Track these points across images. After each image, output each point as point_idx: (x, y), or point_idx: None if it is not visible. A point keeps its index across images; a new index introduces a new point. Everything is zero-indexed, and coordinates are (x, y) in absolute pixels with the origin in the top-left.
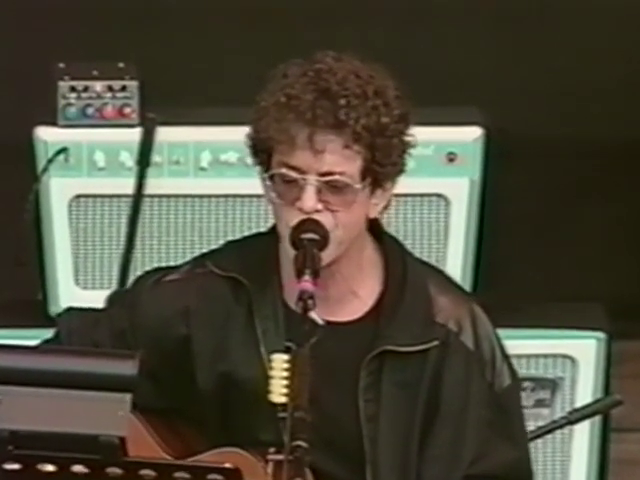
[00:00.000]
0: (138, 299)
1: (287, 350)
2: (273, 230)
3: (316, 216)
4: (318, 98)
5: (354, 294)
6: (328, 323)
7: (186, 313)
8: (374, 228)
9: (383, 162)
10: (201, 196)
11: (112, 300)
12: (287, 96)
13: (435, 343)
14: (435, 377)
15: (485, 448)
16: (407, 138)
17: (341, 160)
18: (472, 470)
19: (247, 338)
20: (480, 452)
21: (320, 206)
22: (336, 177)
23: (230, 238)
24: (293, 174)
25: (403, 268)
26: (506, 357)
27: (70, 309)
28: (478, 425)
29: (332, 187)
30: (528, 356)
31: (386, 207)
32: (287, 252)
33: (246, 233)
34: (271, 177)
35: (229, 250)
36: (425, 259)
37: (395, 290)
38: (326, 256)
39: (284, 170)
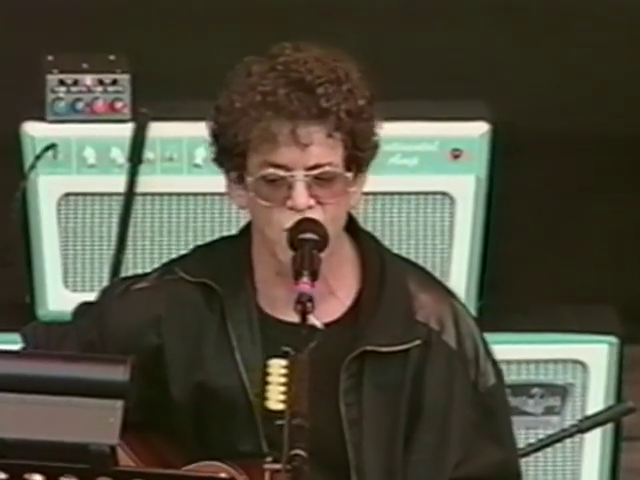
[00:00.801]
0: (106, 309)
1: (285, 355)
2: (242, 233)
3: (309, 213)
4: (294, 90)
5: (332, 294)
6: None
7: (157, 322)
8: (350, 224)
9: (363, 146)
10: (195, 194)
11: (78, 312)
12: (262, 93)
13: (417, 342)
14: (417, 378)
15: (470, 450)
16: (377, 119)
17: (327, 150)
18: (457, 473)
19: (221, 345)
20: (465, 454)
21: (312, 202)
22: (325, 169)
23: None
24: (280, 172)
25: (381, 265)
26: (490, 355)
27: (34, 324)
28: (462, 426)
29: (321, 180)
30: (537, 361)
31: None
32: (279, 254)
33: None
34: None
35: (198, 255)
36: (429, 260)
37: (373, 288)
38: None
39: (271, 170)
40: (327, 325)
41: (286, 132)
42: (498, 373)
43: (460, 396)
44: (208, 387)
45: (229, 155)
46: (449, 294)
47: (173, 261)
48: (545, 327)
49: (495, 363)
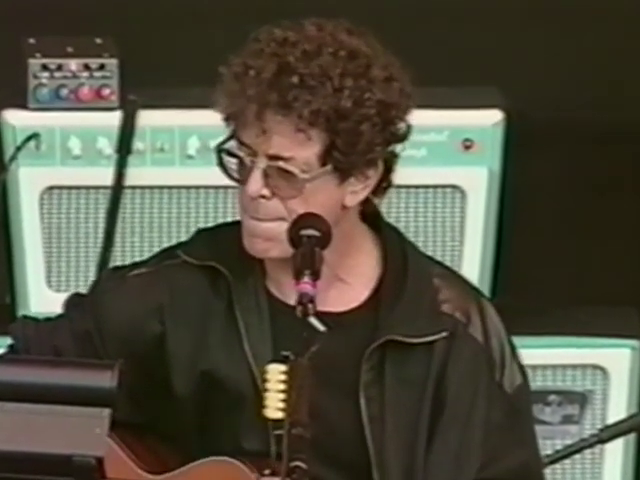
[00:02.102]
0: (102, 298)
1: (284, 359)
2: None
3: (263, 204)
4: (276, 73)
5: (341, 281)
6: (320, 313)
7: (159, 309)
8: (372, 218)
9: (346, 150)
10: (188, 187)
11: (70, 303)
12: (244, 66)
13: (444, 334)
14: (440, 372)
15: (495, 452)
16: (391, 127)
17: (291, 144)
18: (482, 475)
19: (228, 333)
20: (489, 457)
21: (266, 191)
22: (280, 163)
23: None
24: (242, 152)
25: (403, 258)
26: (515, 355)
27: (24, 317)
28: (486, 427)
29: (279, 172)
30: (554, 367)
31: (382, 192)
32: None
33: None
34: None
35: (202, 239)
36: (439, 257)
37: (395, 280)
38: (277, 251)
39: (236, 146)
40: (342, 314)
41: (252, 114)
42: (524, 373)
43: (484, 394)
44: (213, 378)
45: (226, 123)
46: (475, 290)
47: (174, 246)
48: (562, 330)
49: (520, 363)
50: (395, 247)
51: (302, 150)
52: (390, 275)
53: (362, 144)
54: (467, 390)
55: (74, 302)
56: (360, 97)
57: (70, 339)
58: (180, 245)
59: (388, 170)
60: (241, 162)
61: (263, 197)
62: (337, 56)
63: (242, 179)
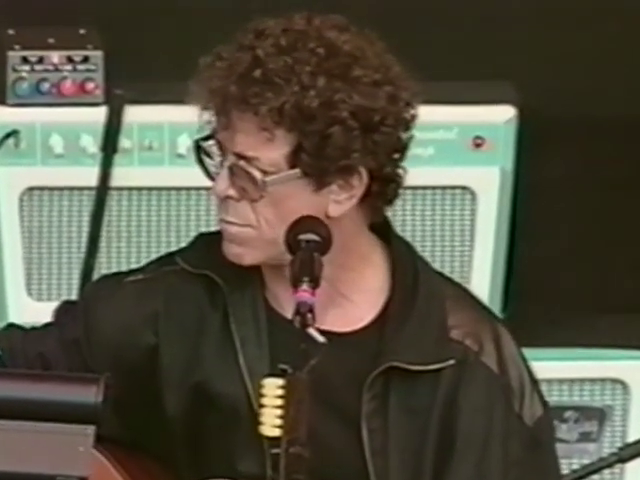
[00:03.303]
0: (94, 305)
1: (282, 373)
2: None
3: (230, 204)
4: (247, 67)
5: (344, 297)
6: (322, 333)
7: (154, 318)
8: (383, 228)
9: (314, 153)
10: (178, 188)
11: (61, 310)
12: (217, 56)
13: (450, 362)
14: (450, 402)
15: None
16: (373, 135)
17: (256, 143)
18: None
19: (223, 347)
20: None
21: (232, 192)
22: (241, 163)
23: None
24: (214, 148)
25: (414, 275)
26: (535, 383)
27: (10, 325)
28: (505, 462)
29: (243, 172)
30: (571, 380)
31: (387, 203)
32: None
33: None
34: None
35: (200, 244)
36: (447, 263)
37: (403, 299)
38: (250, 258)
39: (209, 142)
40: (345, 335)
41: (218, 108)
42: (544, 402)
43: (502, 427)
44: (207, 393)
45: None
46: (490, 315)
47: (175, 252)
48: (579, 341)
49: (540, 391)
50: (405, 262)
51: (267, 150)
52: (398, 294)
53: (332, 148)
54: (481, 422)
55: (64, 309)
56: (330, 98)
57: (58, 348)
58: (179, 250)
59: (387, 181)
60: (212, 158)
61: (230, 198)
62: (313, 52)
63: (214, 177)
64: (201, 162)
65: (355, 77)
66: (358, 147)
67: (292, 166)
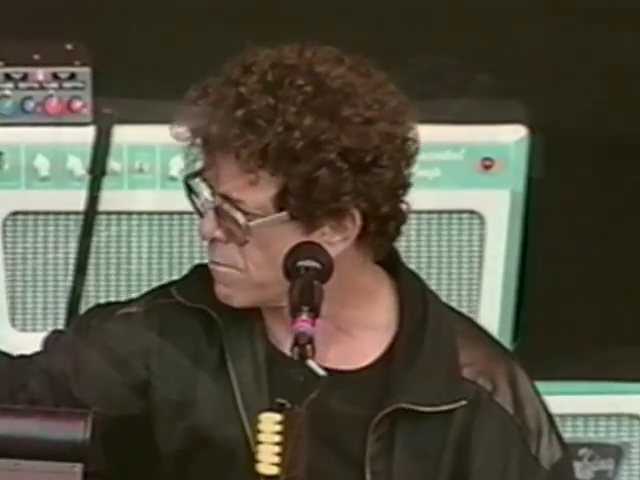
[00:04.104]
0: (84, 336)
1: (279, 408)
2: None
3: (217, 247)
4: (231, 104)
5: (348, 334)
6: (325, 371)
7: (146, 353)
8: (390, 259)
9: (301, 196)
10: (170, 213)
11: (50, 340)
12: (203, 90)
13: (462, 403)
14: (462, 446)
15: None
16: (365, 176)
17: (241, 185)
18: None
19: (219, 383)
20: None
21: (219, 233)
22: (225, 206)
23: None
24: (202, 186)
25: (423, 309)
26: (553, 425)
27: None
28: None
29: (228, 215)
30: (585, 416)
31: (391, 240)
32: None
33: None
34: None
35: (196, 276)
36: (454, 291)
37: (412, 335)
38: (239, 300)
39: (197, 179)
40: (349, 373)
41: (206, 151)
42: (563, 444)
43: (517, 471)
44: (201, 432)
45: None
46: (504, 351)
47: (170, 283)
48: (594, 374)
49: (559, 433)
50: (414, 296)
51: (252, 193)
52: (406, 330)
53: (320, 191)
54: (495, 466)
55: (53, 339)
56: (316, 139)
57: (45, 380)
58: (176, 282)
59: (385, 219)
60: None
61: (217, 240)
62: (300, 90)
63: (202, 216)
64: (191, 199)
65: (344, 116)
66: (348, 189)
67: (279, 209)
